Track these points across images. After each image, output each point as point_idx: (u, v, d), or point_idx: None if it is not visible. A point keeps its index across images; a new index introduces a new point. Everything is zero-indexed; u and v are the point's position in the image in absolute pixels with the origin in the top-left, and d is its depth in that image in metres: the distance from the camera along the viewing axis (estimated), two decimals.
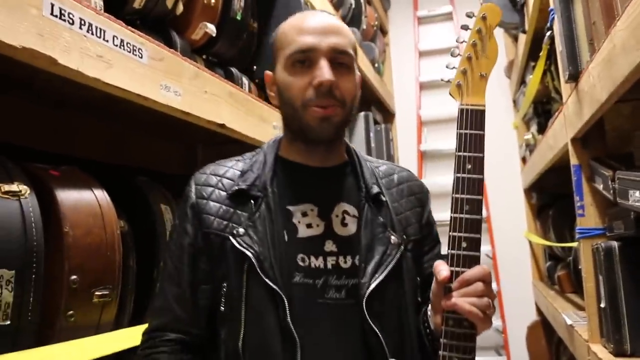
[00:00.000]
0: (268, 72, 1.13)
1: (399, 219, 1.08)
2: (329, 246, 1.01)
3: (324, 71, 1.01)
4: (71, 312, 1.02)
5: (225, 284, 0.99)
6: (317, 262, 1.00)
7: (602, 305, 1.59)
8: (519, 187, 4.06)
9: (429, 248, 1.16)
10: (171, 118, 1.35)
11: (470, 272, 0.92)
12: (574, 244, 2.24)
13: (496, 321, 4.06)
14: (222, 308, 0.99)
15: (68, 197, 1.05)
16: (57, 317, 1.00)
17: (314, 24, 1.05)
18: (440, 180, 4.28)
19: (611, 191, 1.47)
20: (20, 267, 0.91)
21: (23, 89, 1.26)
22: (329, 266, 1.01)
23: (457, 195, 0.95)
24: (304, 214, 1.03)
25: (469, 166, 0.98)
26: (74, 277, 1.02)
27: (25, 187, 0.96)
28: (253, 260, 0.97)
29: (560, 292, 3.02)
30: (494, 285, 4.03)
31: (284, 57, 1.06)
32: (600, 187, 1.61)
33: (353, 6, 3.15)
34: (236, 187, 1.04)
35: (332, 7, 2.73)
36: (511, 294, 4.06)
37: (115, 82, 1.10)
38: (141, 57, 1.18)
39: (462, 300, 0.90)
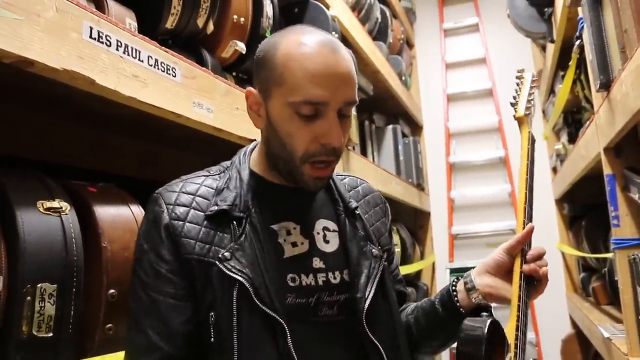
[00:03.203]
0: (252, 90, 1.00)
1: (373, 231, 1.07)
2: (317, 263, 0.98)
3: (336, 133, 0.93)
4: (110, 325, 1.03)
5: (212, 314, 0.91)
6: (308, 280, 0.97)
7: None
8: (550, 198, 4.00)
9: (392, 257, 1.15)
10: (203, 134, 1.38)
11: (540, 248, 1.07)
12: (609, 255, 2.20)
13: (530, 334, 3.99)
14: (212, 339, 0.91)
15: (106, 212, 1.07)
16: (96, 330, 1.01)
17: (327, 72, 0.92)
18: (469, 191, 4.25)
19: None
20: (61, 280, 0.93)
21: (61, 109, 1.30)
22: (320, 283, 0.97)
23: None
24: (288, 233, 0.99)
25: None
26: (112, 291, 1.03)
27: (65, 203, 0.98)
28: (247, 286, 0.90)
29: (595, 304, 2.96)
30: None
31: (286, 98, 0.93)
32: (636, 196, 1.58)
33: (379, 20, 3.17)
34: (216, 208, 0.96)
35: (359, 22, 2.75)
36: (545, 306, 3.99)
37: (150, 101, 1.12)
38: (175, 76, 1.20)
39: (544, 267, 1.05)
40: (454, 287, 1.07)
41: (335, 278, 0.99)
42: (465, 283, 1.06)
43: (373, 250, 1.03)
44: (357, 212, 1.06)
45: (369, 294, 0.98)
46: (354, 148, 2.38)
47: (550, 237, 3.88)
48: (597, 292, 2.89)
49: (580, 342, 3.73)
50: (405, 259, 3.15)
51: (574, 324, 3.68)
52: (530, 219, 1.09)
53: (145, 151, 1.75)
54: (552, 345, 3.94)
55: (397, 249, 2.98)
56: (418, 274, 3.75)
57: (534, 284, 1.04)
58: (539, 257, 1.05)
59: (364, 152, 2.85)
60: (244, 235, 0.95)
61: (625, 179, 1.69)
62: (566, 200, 3.78)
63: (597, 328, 2.27)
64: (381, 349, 0.96)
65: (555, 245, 3.86)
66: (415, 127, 4.24)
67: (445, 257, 4.22)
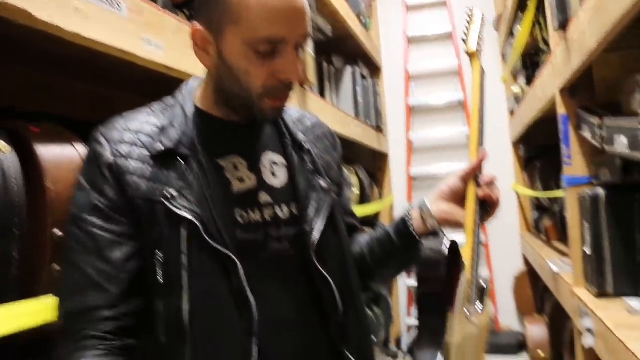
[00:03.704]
0: (198, 27, 0.95)
1: (322, 165, 1.06)
2: (264, 198, 0.97)
3: (294, 69, 0.92)
4: (56, 265, 0.99)
5: (160, 254, 0.89)
6: (255, 216, 0.95)
7: (587, 251, 1.62)
8: (506, 140, 4.07)
9: (342, 191, 1.15)
10: (156, 74, 1.33)
11: (492, 175, 1.08)
12: (561, 194, 2.26)
13: (484, 272, 4.12)
14: (159, 279, 0.89)
15: (49, 152, 1.03)
16: (43, 271, 0.99)
17: (285, 8, 0.89)
18: (428, 134, 4.28)
19: (598, 138, 1.48)
20: (1, 222, 0.90)
21: (2, 48, 1.23)
22: (268, 218, 0.96)
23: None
24: (235, 168, 0.97)
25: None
26: (57, 231, 0.99)
27: (4, 143, 0.94)
28: (196, 223, 0.89)
29: (546, 241, 3.07)
30: (482, 237, 4.11)
31: (242, 36, 0.90)
32: (588, 135, 1.61)
33: None
34: (161, 146, 0.93)
35: None
36: (499, 245, 4.12)
37: (95, 37, 1.06)
38: (120, 10, 1.15)
39: (496, 192, 1.07)
40: (408, 215, 1.08)
41: (283, 212, 0.98)
42: (421, 210, 1.07)
43: (322, 183, 1.02)
44: (306, 146, 1.05)
45: (317, 227, 0.97)
46: (311, 89, 2.34)
47: (506, 178, 3.96)
48: (548, 230, 2.99)
49: (531, 279, 3.88)
50: (364, 200, 3.18)
51: (526, 262, 3.82)
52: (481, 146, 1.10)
53: (96, 94, 1.69)
54: (504, 282, 4.09)
55: (356, 191, 3.00)
56: (377, 215, 3.80)
57: (486, 209, 1.06)
58: (492, 182, 1.07)
59: (322, 94, 2.82)
60: (190, 173, 0.92)
61: (578, 118, 1.72)
62: (522, 143, 3.85)
63: (546, 263, 2.36)
64: (331, 282, 0.96)
65: (511, 187, 3.95)
66: (375, 69, 4.20)
67: (404, 199, 4.27)
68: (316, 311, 0.98)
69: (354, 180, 3.00)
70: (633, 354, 1.13)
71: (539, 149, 3.46)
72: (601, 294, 1.57)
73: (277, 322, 0.94)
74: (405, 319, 4.29)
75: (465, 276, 0.94)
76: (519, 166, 3.98)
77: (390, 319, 3.84)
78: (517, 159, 4.01)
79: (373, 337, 3.16)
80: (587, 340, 1.54)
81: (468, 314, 0.92)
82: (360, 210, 2.90)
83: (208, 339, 0.90)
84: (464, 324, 0.91)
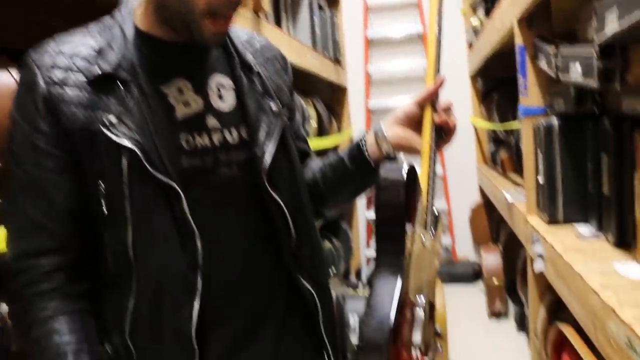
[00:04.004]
0: None
1: (272, 87, 1.02)
2: (212, 122, 0.94)
3: None
4: None
5: (102, 185, 0.86)
6: (202, 141, 0.92)
7: (540, 180, 1.66)
8: (465, 73, 4.08)
9: (294, 115, 1.12)
10: (99, 1, 1.26)
11: (448, 101, 1.05)
12: (517, 125, 2.29)
13: (442, 204, 4.21)
14: (104, 211, 0.87)
15: None
16: None
17: None
18: (386, 66, 4.26)
19: (554, 67, 1.49)
20: None
21: None
22: (216, 142, 0.93)
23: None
24: (180, 91, 0.92)
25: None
26: None
27: None
28: (137, 152, 0.85)
29: (502, 173, 3.14)
30: (439, 170, 4.17)
31: None
32: (544, 65, 1.62)
33: None
34: (99, 71, 0.87)
35: None
36: (456, 178, 4.20)
37: None
38: None
39: (453, 118, 1.05)
40: (363, 140, 1.06)
41: (232, 136, 0.95)
42: (376, 135, 1.05)
43: (272, 106, 0.99)
44: (255, 68, 1.01)
45: (268, 151, 0.95)
46: (266, 17, 2.28)
47: (464, 111, 4.00)
48: (504, 162, 3.05)
49: (487, 210, 3.99)
50: (322, 133, 3.17)
51: (483, 193, 3.92)
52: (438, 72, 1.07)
53: (38, 23, 1.60)
54: (461, 214, 4.20)
55: (314, 123, 2.98)
56: (335, 148, 3.80)
57: (442, 135, 1.05)
58: (448, 108, 1.05)
59: (278, 23, 2.74)
60: (131, 98, 0.88)
61: (535, 48, 1.72)
62: (480, 76, 3.86)
63: (502, 194, 2.42)
64: (283, 206, 0.95)
65: (468, 119, 3.99)
66: (333, 0, 4.11)
67: (362, 132, 4.28)
68: (268, 238, 0.97)
69: (311, 112, 2.98)
70: (579, 275, 1.18)
71: (496, 82, 3.49)
72: (552, 221, 1.62)
73: (225, 250, 0.93)
74: (365, 250, 4.39)
75: (422, 201, 0.95)
76: (477, 99, 4.02)
77: (349, 251, 3.91)
78: (475, 92, 4.03)
79: (333, 268, 3.24)
80: (538, 265, 1.60)
81: (424, 239, 0.94)
82: (318, 143, 2.90)
83: (152, 272, 0.89)
84: (420, 249, 0.93)
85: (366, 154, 1.05)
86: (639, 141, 1.16)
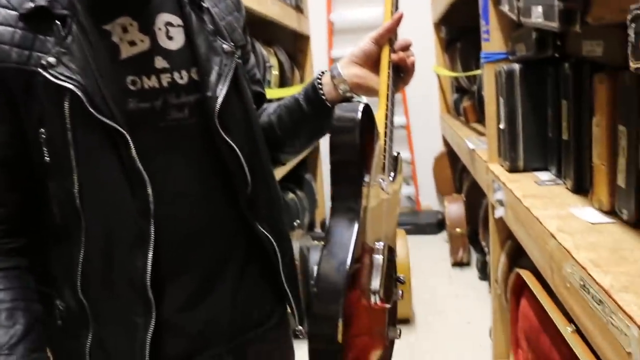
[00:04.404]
0: None
1: (224, 26, 0.98)
2: (160, 63, 0.89)
3: None
4: None
5: (42, 130, 0.82)
6: (150, 82, 0.87)
7: (501, 126, 1.67)
8: (428, 21, 4.04)
9: (248, 56, 1.08)
10: None
11: (407, 39, 1.02)
12: (479, 72, 2.29)
13: (405, 153, 4.23)
14: (47, 159, 0.83)
15: None
16: None
17: None
18: (349, 15, 4.19)
19: (515, 10, 1.47)
20: None
21: None
22: (165, 84, 0.88)
23: None
24: (124, 30, 0.87)
25: None
26: None
27: None
28: (79, 95, 0.80)
29: (465, 122, 3.15)
30: (403, 119, 4.18)
31: None
32: (506, 8, 1.60)
33: None
34: (31, 4, 0.80)
35: None
36: (420, 127, 4.21)
37: None
38: None
39: (411, 57, 1.02)
40: (319, 80, 1.03)
41: (182, 78, 0.91)
42: (332, 75, 1.02)
43: (224, 45, 0.94)
44: (205, 4, 0.95)
45: (220, 93, 0.91)
46: None
47: (427, 60, 3.98)
48: (467, 110, 3.06)
49: (450, 159, 4.03)
50: (284, 83, 3.12)
51: (446, 143, 3.95)
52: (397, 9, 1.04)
53: None
54: (425, 163, 4.24)
55: (275, 72, 2.93)
56: None
57: (400, 75, 1.02)
58: (407, 47, 1.02)
59: None
60: (70, 37, 0.82)
61: None
62: (443, 24, 3.84)
63: (464, 143, 2.43)
64: (237, 150, 0.92)
65: (432, 68, 3.98)
66: None
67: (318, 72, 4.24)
68: (223, 184, 0.94)
69: (273, 61, 2.92)
70: (537, 220, 1.20)
71: (460, 31, 3.47)
72: (513, 168, 1.64)
73: (178, 197, 0.91)
74: (330, 203, 4.40)
75: (379, 144, 0.93)
76: (440, 48, 4.00)
77: (314, 203, 3.93)
78: (439, 41, 4.01)
79: (297, 220, 3.25)
80: (498, 212, 1.62)
81: (382, 182, 0.92)
82: (280, 93, 2.85)
83: (101, 222, 0.86)
84: (378, 193, 0.91)
85: (322, 94, 1.01)
86: (597, 85, 1.16)
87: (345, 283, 0.77)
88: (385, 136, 0.94)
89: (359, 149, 0.85)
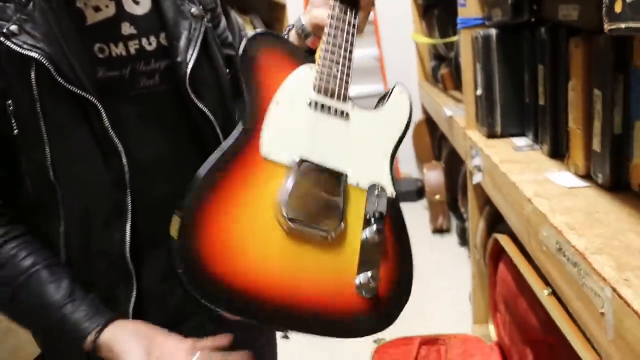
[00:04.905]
0: None
1: None
2: (127, 29, 0.87)
3: None
4: None
5: (9, 102, 0.79)
6: (118, 50, 0.85)
7: (478, 93, 1.67)
8: None
9: (219, 20, 1.06)
10: None
11: None
12: (456, 38, 2.28)
13: None
14: (15, 132, 0.80)
15: None
16: None
17: None
18: None
19: None
20: None
21: None
22: (133, 51, 0.87)
23: None
24: None
25: None
26: None
27: None
28: (45, 64, 0.78)
29: (443, 89, 3.15)
30: (381, 87, 4.17)
31: None
32: None
33: None
34: None
35: None
36: None
37: None
38: None
39: None
40: (286, 37, 1.01)
41: (150, 44, 0.89)
42: (296, 27, 1.00)
43: (192, 9, 0.93)
44: None
45: (190, 58, 0.90)
46: None
47: (405, 27, 3.96)
48: (445, 78, 3.06)
49: (429, 127, 4.04)
50: None
51: (425, 110, 3.95)
52: None
53: None
54: None
55: None
56: None
57: (356, 4, 0.96)
58: None
59: None
60: (31, 3, 0.80)
61: None
62: None
63: (442, 110, 2.43)
64: (210, 115, 0.92)
65: (410, 35, 3.96)
66: None
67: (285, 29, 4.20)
68: (197, 152, 0.92)
69: (249, 30, 2.88)
70: (514, 185, 1.21)
71: None
72: (491, 134, 1.65)
73: (153, 167, 0.90)
74: None
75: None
76: (418, 14, 3.97)
77: None
78: (416, 7, 3.98)
79: None
80: (476, 178, 1.64)
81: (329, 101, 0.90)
82: None
83: (77, 195, 0.84)
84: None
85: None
86: (573, 49, 1.16)
87: (201, 181, 0.80)
88: (326, 59, 0.90)
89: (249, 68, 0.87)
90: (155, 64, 0.89)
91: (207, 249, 0.79)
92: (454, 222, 3.43)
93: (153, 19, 0.90)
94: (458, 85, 2.80)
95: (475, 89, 1.70)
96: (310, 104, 0.88)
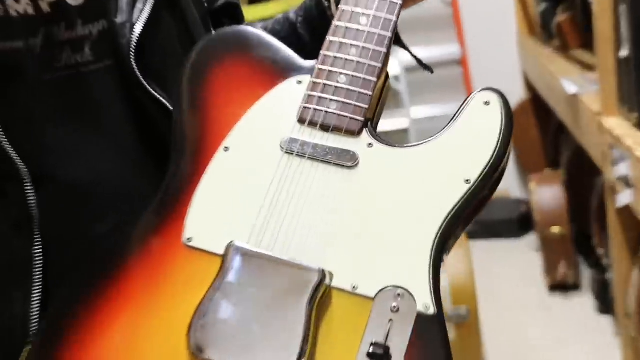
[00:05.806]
0: None
1: None
2: None
3: None
4: None
5: None
6: (19, 7, 0.88)
7: (624, 53, 1.65)
8: None
9: None
10: None
11: None
12: None
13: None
14: None
15: None
16: None
17: None
18: None
19: None
20: None
21: None
22: (46, 8, 0.89)
23: None
24: None
25: None
26: None
27: None
28: None
29: (560, 48, 3.14)
30: (455, 48, 4.17)
31: None
32: None
33: None
34: None
35: None
36: (485, 60, 4.19)
37: None
38: None
39: None
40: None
41: None
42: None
43: None
44: None
45: (140, 16, 0.93)
46: None
47: None
48: (563, 29, 3.05)
49: (537, 112, 4.02)
50: None
51: (529, 86, 3.94)
52: None
53: None
54: None
55: None
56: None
57: None
58: None
59: None
60: None
61: None
62: None
63: (559, 83, 2.42)
64: (165, 102, 0.94)
65: None
66: None
67: None
68: (154, 165, 0.95)
69: None
70: None
71: None
72: None
73: (82, 193, 0.92)
74: None
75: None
76: None
77: None
78: None
79: None
80: (622, 197, 1.61)
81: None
82: (255, 13, 2.89)
83: None
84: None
85: (332, 15, 1.02)
86: None
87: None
88: (327, 63, 0.91)
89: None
90: (85, 28, 0.92)
91: None
92: (586, 273, 3.39)
93: None
94: (587, 41, 2.79)
95: (618, 47, 1.68)
96: (284, 147, 0.87)
